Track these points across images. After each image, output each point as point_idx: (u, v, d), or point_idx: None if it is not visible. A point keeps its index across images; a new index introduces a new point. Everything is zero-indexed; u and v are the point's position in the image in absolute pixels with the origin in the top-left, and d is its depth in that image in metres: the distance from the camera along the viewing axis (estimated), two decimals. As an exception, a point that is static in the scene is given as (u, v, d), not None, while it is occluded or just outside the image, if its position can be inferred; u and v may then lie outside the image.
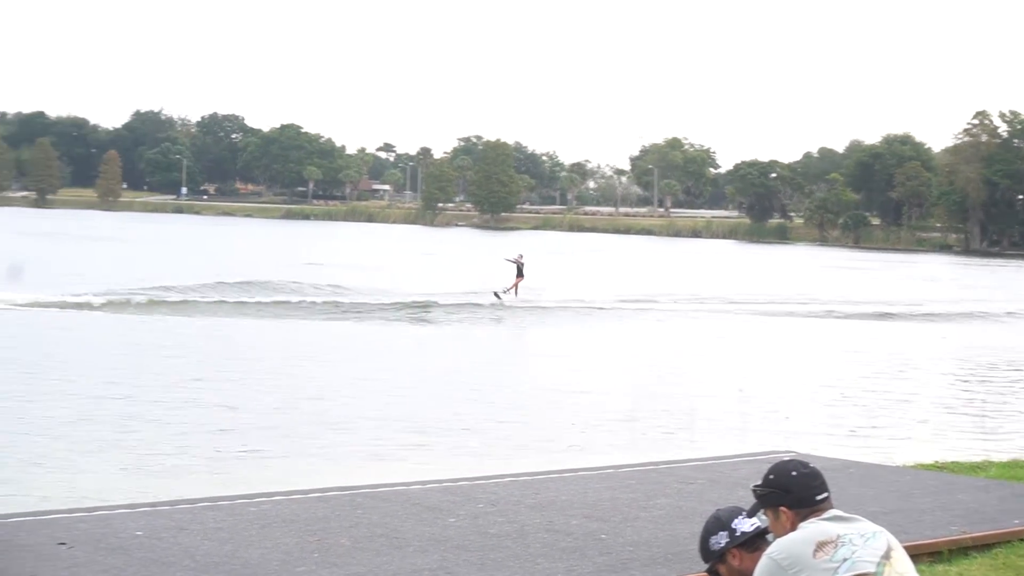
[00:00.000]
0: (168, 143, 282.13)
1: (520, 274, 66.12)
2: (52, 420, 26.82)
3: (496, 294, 63.94)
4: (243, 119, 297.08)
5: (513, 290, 65.18)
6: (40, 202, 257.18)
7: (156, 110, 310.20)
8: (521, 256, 67.18)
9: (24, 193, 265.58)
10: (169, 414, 28.16)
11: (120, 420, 27.15)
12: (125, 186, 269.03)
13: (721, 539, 6.68)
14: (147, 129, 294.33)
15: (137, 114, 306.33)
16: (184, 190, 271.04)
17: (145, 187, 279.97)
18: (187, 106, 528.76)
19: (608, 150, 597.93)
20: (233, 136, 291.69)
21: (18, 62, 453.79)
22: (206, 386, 32.87)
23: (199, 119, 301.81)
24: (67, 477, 21.54)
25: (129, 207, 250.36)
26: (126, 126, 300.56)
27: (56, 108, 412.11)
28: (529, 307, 61.68)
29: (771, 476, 6.52)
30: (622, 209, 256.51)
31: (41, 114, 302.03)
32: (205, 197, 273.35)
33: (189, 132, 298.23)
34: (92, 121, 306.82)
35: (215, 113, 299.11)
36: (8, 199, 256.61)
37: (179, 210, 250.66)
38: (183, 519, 14.29)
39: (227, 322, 49.93)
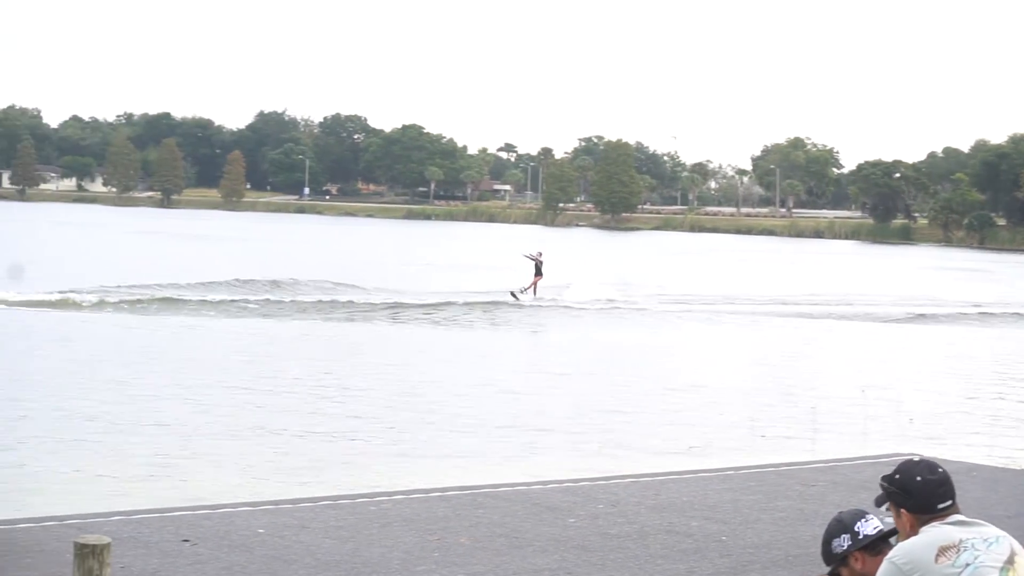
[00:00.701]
0: (291, 144, 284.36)
1: (539, 272, 62.93)
2: (175, 419, 27.16)
3: (513, 294, 60.79)
4: (365, 120, 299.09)
5: (532, 289, 62.28)
6: (165, 202, 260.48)
7: (279, 111, 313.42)
8: (540, 253, 64.13)
9: (150, 193, 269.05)
10: (288, 415, 28.41)
11: (240, 420, 27.43)
12: (248, 186, 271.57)
13: (844, 542, 6.63)
14: (271, 130, 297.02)
15: (261, 115, 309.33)
16: (307, 190, 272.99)
17: (268, 187, 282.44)
18: (310, 107, 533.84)
19: (730, 150, 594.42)
20: (355, 136, 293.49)
21: (144, 64, 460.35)
22: (319, 387, 33.11)
23: (322, 120, 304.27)
24: (191, 475, 21.79)
25: (252, 207, 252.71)
26: (250, 127, 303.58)
27: (182, 109, 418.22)
28: (563, 306, 59.26)
29: (897, 476, 6.45)
30: (744, 209, 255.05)
31: (167, 115, 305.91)
32: (327, 197, 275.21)
33: (312, 133, 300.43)
34: (217, 122, 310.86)
35: (338, 114, 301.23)
36: (134, 199, 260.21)
37: (302, 210, 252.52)
38: (305, 517, 14.41)
39: (335, 326, 50.21)
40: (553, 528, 14.30)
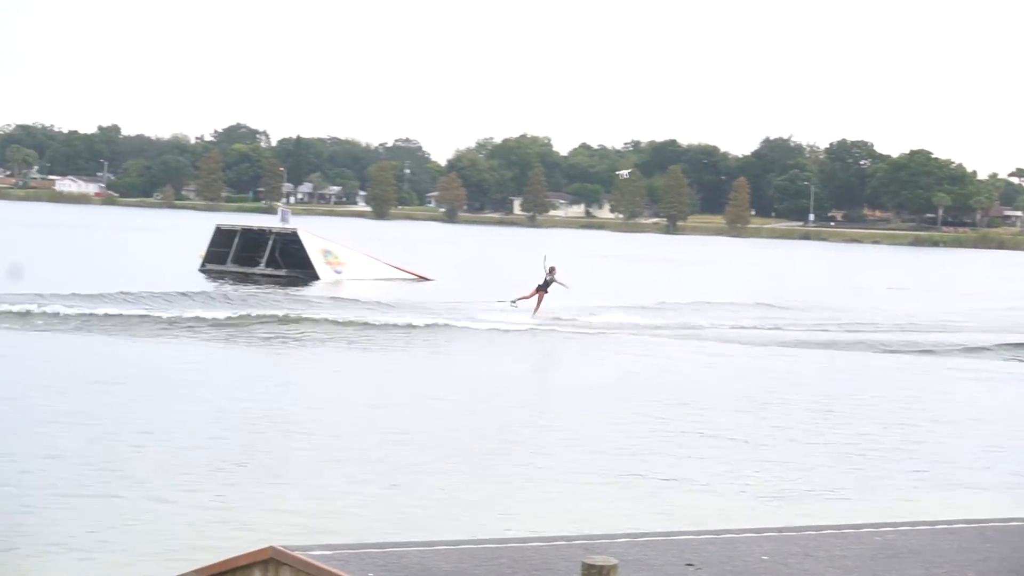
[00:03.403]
0: (796, 170, 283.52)
1: (544, 288, 54.49)
2: (680, 443, 27.46)
3: (513, 302, 53.93)
4: (872, 145, 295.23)
5: (535, 306, 54.09)
6: (670, 228, 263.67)
7: (785, 136, 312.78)
8: (553, 270, 54.52)
9: (655, 220, 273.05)
10: (795, 440, 28.33)
11: (750, 446, 27.52)
12: (753, 212, 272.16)
13: None
14: (776, 156, 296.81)
15: (766, 141, 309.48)
16: (811, 217, 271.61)
17: (772, 214, 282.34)
18: (816, 132, 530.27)
19: None
20: (862, 162, 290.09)
21: (652, 92, 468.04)
22: (828, 413, 32.89)
23: (827, 145, 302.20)
24: (694, 498, 22.01)
25: (756, 233, 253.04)
26: (755, 153, 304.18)
27: (688, 136, 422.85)
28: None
29: None
30: None
31: (673, 142, 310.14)
32: (832, 224, 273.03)
33: (817, 158, 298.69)
34: (722, 148, 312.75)
35: (844, 139, 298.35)
36: (640, 226, 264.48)
37: (806, 237, 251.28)
38: (809, 545, 14.32)
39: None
40: (1067, 567, 13.76)
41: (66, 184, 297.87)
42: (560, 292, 54.42)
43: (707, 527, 16.70)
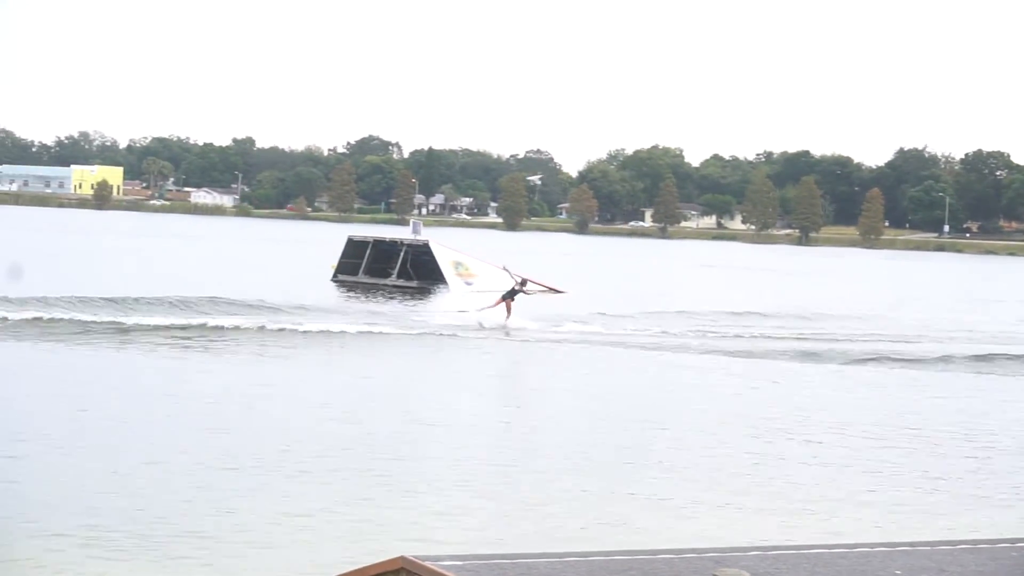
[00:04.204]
0: (931, 181, 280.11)
1: (511, 296, 54.64)
2: (821, 457, 27.29)
3: (479, 311, 54.16)
4: (1008, 156, 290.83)
5: (506, 314, 53.82)
6: (803, 240, 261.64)
7: (919, 147, 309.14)
8: (525, 281, 55.72)
9: (788, 231, 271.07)
10: (901, 457, 28.07)
11: (873, 462, 27.29)
12: (887, 224, 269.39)
13: None
14: (910, 167, 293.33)
15: (900, 152, 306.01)
16: (946, 228, 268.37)
17: (907, 225, 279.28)
18: (951, 143, 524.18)
19: None
20: (998, 173, 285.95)
21: (785, 102, 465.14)
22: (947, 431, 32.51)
23: (963, 156, 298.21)
24: (825, 513, 21.86)
25: (890, 245, 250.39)
26: (889, 164, 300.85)
27: (821, 147, 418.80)
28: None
29: None
30: None
31: (806, 153, 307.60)
32: (967, 235, 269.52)
33: (952, 169, 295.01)
34: (856, 159, 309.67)
35: (979, 150, 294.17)
36: (772, 237, 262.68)
37: (940, 248, 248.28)
38: (942, 560, 14.14)
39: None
40: None
41: (201, 196, 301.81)
42: (696, 303, 54.08)
43: (839, 541, 16.57)
